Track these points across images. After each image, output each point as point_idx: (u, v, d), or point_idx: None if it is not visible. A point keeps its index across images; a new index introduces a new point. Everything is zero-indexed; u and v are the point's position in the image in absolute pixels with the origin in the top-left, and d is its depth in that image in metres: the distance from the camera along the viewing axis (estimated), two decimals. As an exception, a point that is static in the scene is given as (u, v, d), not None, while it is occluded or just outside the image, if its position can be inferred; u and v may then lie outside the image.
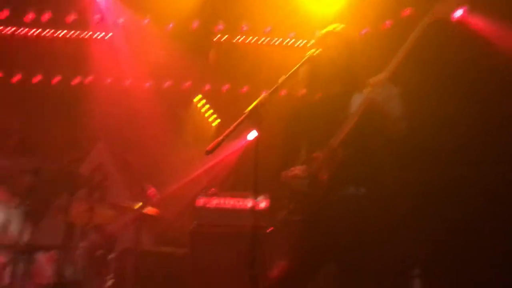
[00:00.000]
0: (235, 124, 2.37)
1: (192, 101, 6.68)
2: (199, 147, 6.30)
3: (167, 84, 6.43)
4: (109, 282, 4.84)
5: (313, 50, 2.80)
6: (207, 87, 6.54)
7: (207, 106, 6.76)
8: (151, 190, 4.96)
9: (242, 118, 2.40)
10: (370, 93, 2.60)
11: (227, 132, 2.33)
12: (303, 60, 2.73)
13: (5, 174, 3.19)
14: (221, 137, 2.30)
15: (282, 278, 2.63)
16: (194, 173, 6.26)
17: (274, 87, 2.58)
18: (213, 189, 5.13)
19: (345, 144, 2.65)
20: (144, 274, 4.87)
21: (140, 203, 4.89)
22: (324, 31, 2.95)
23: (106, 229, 6.13)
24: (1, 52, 6.11)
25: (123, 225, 5.58)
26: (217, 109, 6.66)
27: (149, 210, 4.97)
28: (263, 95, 2.50)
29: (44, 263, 4.21)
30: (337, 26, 2.97)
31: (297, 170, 2.73)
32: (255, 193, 2.36)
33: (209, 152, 2.26)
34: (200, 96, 6.71)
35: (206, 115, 6.76)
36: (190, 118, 6.65)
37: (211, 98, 6.64)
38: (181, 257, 5.09)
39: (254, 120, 2.43)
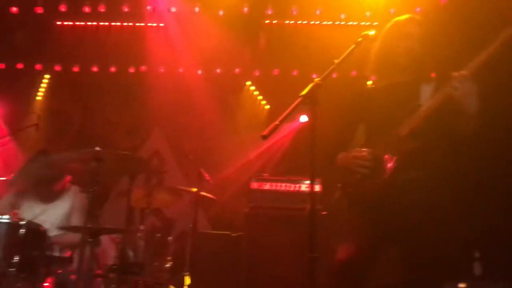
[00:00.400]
0: (290, 108, 2.36)
1: (243, 87, 6.70)
2: (251, 132, 6.34)
3: (218, 70, 6.47)
4: (168, 263, 5.00)
5: (368, 31, 2.72)
6: (257, 72, 6.52)
7: (257, 92, 6.76)
8: (206, 175, 5.05)
9: (297, 101, 2.38)
10: (449, 87, 2.53)
11: (283, 116, 2.32)
12: (357, 42, 2.66)
13: (70, 163, 3.32)
14: (277, 121, 2.29)
15: (346, 261, 2.62)
16: (247, 157, 6.30)
17: (329, 70, 2.54)
18: (266, 173, 5.17)
19: (415, 134, 2.61)
20: (201, 256, 4.97)
21: (196, 187, 5.00)
22: (402, 17, 2.86)
23: (164, 212, 6.33)
24: (61, 44, 6.35)
25: (180, 208, 5.72)
26: (268, 94, 6.64)
27: (205, 193, 5.07)
28: (317, 78, 2.46)
29: (108, 245, 4.40)
30: (415, 15, 2.89)
31: (360, 151, 2.70)
32: (312, 176, 2.34)
33: (266, 137, 2.26)
34: (250, 82, 6.71)
35: (257, 99, 6.76)
36: (241, 103, 6.67)
37: (261, 83, 6.62)
38: (236, 238, 5.16)
39: (309, 103, 2.40)
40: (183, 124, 6.57)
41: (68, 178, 3.85)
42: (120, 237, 4.74)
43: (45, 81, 6.75)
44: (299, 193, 4.77)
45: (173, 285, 4.76)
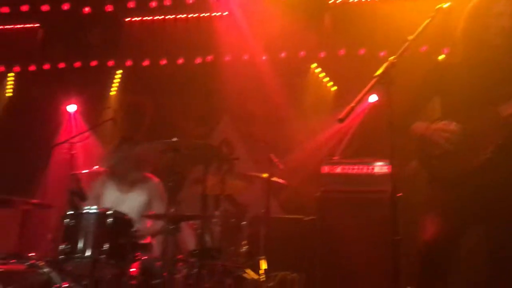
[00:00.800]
0: (366, 89, 2.30)
1: (308, 69, 6.62)
2: (319, 115, 6.27)
3: (283, 55, 6.43)
4: (244, 248, 5.09)
5: (442, 4, 2.60)
6: (322, 54, 6.42)
7: (323, 74, 6.65)
8: (276, 160, 5.06)
9: (372, 82, 2.32)
10: None
11: (358, 98, 2.27)
12: (432, 16, 2.55)
13: (149, 153, 3.45)
14: (352, 103, 2.24)
15: (431, 242, 2.55)
16: (316, 141, 6.24)
17: (404, 47, 2.45)
18: (336, 157, 5.11)
19: None
20: (275, 240, 5.02)
21: (267, 173, 5.04)
22: None
23: (236, 198, 6.43)
24: (131, 40, 6.59)
25: (252, 194, 5.79)
26: (334, 75, 6.52)
27: (276, 179, 5.10)
28: (388, 56, 2.38)
29: (187, 231, 4.56)
30: None
31: (448, 124, 2.61)
32: (392, 156, 2.28)
33: (342, 120, 2.23)
34: (315, 64, 6.62)
35: (323, 82, 6.67)
36: (307, 87, 6.61)
37: (327, 65, 6.51)
38: (309, 223, 5.17)
39: (384, 83, 2.33)
40: (251, 111, 6.60)
41: (147, 168, 4.00)
42: (197, 223, 4.91)
43: (117, 76, 7.04)
44: (372, 176, 4.68)
45: (250, 269, 4.87)
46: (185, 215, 3.69)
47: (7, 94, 7.19)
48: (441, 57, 2.90)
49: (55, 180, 5.48)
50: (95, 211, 3.17)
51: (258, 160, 6.36)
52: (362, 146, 5.83)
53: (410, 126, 2.75)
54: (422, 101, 2.83)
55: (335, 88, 6.57)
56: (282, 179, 5.18)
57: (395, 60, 2.38)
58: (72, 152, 6.47)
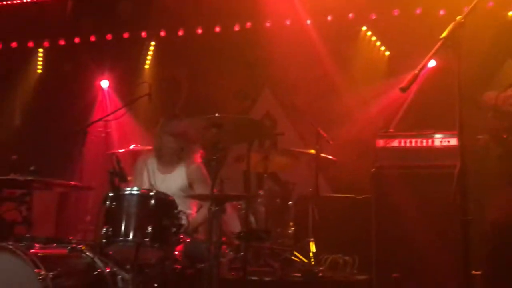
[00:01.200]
0: (430, 53, 2.23)
1: (358, 33, 6.47)
2: (371, 83, 6.15)
3: (329, 18, 6.30)
4: (291, 229, 5.13)
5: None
6: (374, 15, 6.25)
7: (375, 37, 6.49)
8: (324, 134, 5.03)
9: (438, 45, 2.24)
10: None
11: (422, 64, 2.20)
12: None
13: (191, 130, 3.48)
14: (416, 70, 2.18)
15: (503, 221, 2.48)
16: (368, 112, 6.15)
17: (473, 4, 2.34)
18: (391, 129, 5.00)
19: None
20: (324, 220, 5.03)
21: (314, 148, 5.02)
22: None
23: (281, 176, 6.45)
24: (163, 9, 6.61)
25: (297, 171, 5.80)
26: (387, 39, 6.35)
27: (324, 155, 5.08)
28: (460, 16, 2.28)
29: (231, 213, 4.61)
30: None
31: None
32: (461, 126, 2.21)
33: (404, 89, 2.17)
34: (366, 27, 6.46)
35: (376, 46, 6.51)
36: (357, 52, 6.47)
37: (379, 27, 6.35)
38: (362, 202, 5.13)
39: (451, 46, 2.25)
40: (295, 81, 6.56)
41: (190, 146, 4.05)
42: (241, 204, 4.97)
43: (151, 48, 7.11)
44: (433, 149, 4.56)
45: (297, 252, 4.91)
46: (230, 195, 3.72)
47: (37, 71, 7.40)
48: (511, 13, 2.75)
49: (91, 160, 5.64)
50: (137, 192, 3.25)
51: (304, 135, 6.35)
52: (420, 117, 5.70)
53: (479, 95, 2.64)
54: (493, 66, 2.72)
55: (388, 53, 6.42)
56: (331, 155, 5.17)
57: (464, 20, 2.28)
58: (108, 130, 6.68)
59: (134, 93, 6.06)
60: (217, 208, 3.30)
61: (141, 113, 6.29)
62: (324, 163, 5.21)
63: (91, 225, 6.13)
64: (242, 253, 3.78)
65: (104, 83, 7.14)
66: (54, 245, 3.31)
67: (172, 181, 4.07)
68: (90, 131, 4.70)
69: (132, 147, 5.44)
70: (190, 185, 4.05)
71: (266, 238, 3.93)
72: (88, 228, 6.03)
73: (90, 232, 6.03)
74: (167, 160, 4.06)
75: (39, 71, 7.41)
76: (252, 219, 5.01)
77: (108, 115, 5.74)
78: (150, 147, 4.50)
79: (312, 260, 4.78)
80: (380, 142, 4.79)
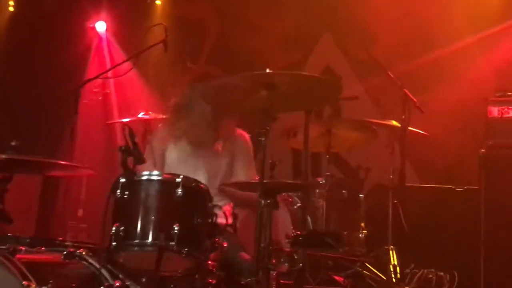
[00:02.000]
0: None
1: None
2: (478, 31, 6.09)
3: None
4: (362, 232, 5.10)
5: None
6: None
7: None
8: (414, 100, 4.94)
9: None
10: None
11: None
12: None
13: (232, 92, 3.46)
14: None
15: None
16: (474, 70, 6.05)
17: None
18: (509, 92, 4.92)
19: None
20: (410, 221, 4.99)
21: (398, 120, 4.94)
22: None
23: (347, 159, 6.43)
24: None
25: (371, 152, 5.76)
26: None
27: (412, 128, 4.99)
28: None
29: (285, 209, 4.61)
30: None
31: None
32: None
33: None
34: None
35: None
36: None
37: None
38: (464, 195, 5.11)
39: None
40: (366, 24, 6.47)
41: (227, 116, 4.04)
42: (292, 197, 4.96)
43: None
44: None
45: (371, 264, 4.90)
46: (285, 183, 3.70)
47: (9, 8, 7.43)
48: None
49: (83, 134, 5.70)
50: (158, 177, 3.24)
51: (382, 100, 6.30)
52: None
53: None
54: None
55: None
56: (421, 129, 5.09)
57: None
58: (106, 91, 6.74)
59: (143, 41, 6.04)
60: (269, 201, 3.30)
61: (153, 68, 6.32)
62: (411, 141, 5.14)
63: (84, 222, 6.25)
64: (300, 265, 3.78)
65: (101, 26, 7.17)
66: (43, 248, 3.35)
67: (209, 162, 4.09)
68: (83, 93, 4.73)
69: (140, 115, 5.47)
70: (232, 166, 4.07)
71: (335, 244, 3.89)
72: (79, 226, 6.15)
73: (82, 232, 6.16)
74: (198, 134, 4.06)
75: (11, 8, 7.46)
76: (308, 217, 5.01)
77: (107, 71, 5.78)
78: (167, 116, 4.50)
79: (392, 275, 4.77)
80: (493, 111, 4.75)
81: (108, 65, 6.76)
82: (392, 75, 5.02)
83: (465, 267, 4.77)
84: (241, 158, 4.09)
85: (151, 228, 3.13)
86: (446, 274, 4.77)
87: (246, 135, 4.18)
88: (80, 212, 6.02)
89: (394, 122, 4.99)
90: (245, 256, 3.75)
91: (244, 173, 4.05)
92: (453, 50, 6.15)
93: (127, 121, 5.42)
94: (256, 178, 3.56)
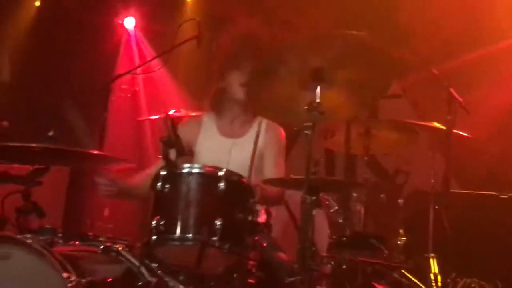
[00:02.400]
0: None
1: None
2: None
3: None
4: (401, 239, 5.06)
5: None
6: None
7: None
8: (460, 99, 4.88)
9: None
10: None
11: None
12: None
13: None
14: None
15: None
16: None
17: None
18: None
19: None
20: (453, 228, 4.95)
21: (440, 122, 4.90)
22: None
23: (381, 162, 6.39)
24: None
25: (410, 155, 5.72)
26: None
27: (457, 131, 4.95)
28: None
29: (321, 212, 4.59)
30: None
31: None
32: None
33: None
34: None
35: None
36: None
37: None
38: (508, 202, 5.05)
39: None
40: (403, 25, 6.41)
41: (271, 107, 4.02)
42: (329, 199, 4.94)
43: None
44: None
45: (409, 272, 4.85)
46: (327, 179, 3.69)
47: (35, 3, 7.50)
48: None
49: (113, 129, 5.70)
50: (199, 170, 3.22)
51: (420, 100, 6.24)
52: None
53: None
54: None
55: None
56: (467, 132, 5.04)
57: None
58: (135, 88, 6.77)
59: (174, 37, 6.05)
60: (314, 198, 3.27)
61: (185, 64, 6.32)
62: (454, 144, 5.10)
63: (110, 222, 6.26)
64: (344, 266, 3.76)
65: (129, 22, 7.20)
66: (77, 242, 3.35)
67: (241, 150, 4.07)
68: (112, 89, 4.75)
69: (171, 112, 5.47)
70: (262, 156, 4.05)
71: (382, 247, 3.87)
72: (105, 226, 6.16)
73: (107, 232, 6.16)
74: (233, 118, 4.08)
75: (37, 3, 7.51)
76: (340, 220, 4.99)
77: (136, 68, 5.80)
78: (199, 113, 4.51)
79: (433, 284, 4.72)
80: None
81: (137, 62, 6.77)
82: (437, 73, 4.96)
83: (508, 277, 4.75)
84: (270, 154, 4.06)
85: (193, 222, 3.12)
86: (489, 283, 4.72)
87: (282, 131, 4.15)
88: (106, 212, 6.01)
89: (436, 124, 4.95)
90: (283, 256, 3.72)
91: (269, 171, 4.03)
92: (498, 49, 6.08)
93: (169, 114, 5.42)
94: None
